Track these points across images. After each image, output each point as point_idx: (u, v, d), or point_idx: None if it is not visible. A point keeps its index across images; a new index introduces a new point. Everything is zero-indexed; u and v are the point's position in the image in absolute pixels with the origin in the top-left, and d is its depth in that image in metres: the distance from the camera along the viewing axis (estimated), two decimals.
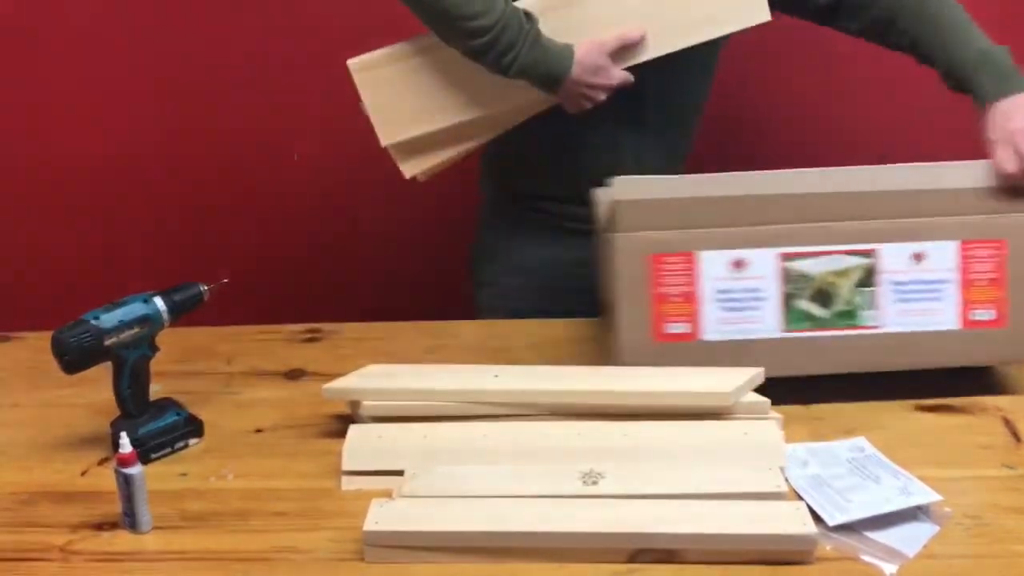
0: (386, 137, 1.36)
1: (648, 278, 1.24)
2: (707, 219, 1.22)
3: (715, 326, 1.25)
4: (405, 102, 1.36)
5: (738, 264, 1.22)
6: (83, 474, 1.18)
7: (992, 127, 1.24)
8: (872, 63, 1.92)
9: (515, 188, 1.62)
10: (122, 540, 1.05)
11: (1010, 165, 1.20)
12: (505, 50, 1.30)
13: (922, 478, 1.09)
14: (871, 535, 1.01)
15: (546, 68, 1.32)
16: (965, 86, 1.30)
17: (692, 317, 1.24)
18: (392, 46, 1.39)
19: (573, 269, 1.59)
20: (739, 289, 1.23)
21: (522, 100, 1.37)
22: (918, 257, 1.24)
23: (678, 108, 1.54)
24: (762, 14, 1.35)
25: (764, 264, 1.22)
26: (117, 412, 1.21)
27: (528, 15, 1.31)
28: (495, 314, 1.63)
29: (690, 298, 1.24)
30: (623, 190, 1.25)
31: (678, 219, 1.23)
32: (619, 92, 1.40)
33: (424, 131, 1.36)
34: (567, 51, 1.33)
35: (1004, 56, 1.30)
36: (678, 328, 1.25)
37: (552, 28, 1.32)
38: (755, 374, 1.24)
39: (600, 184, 1.38)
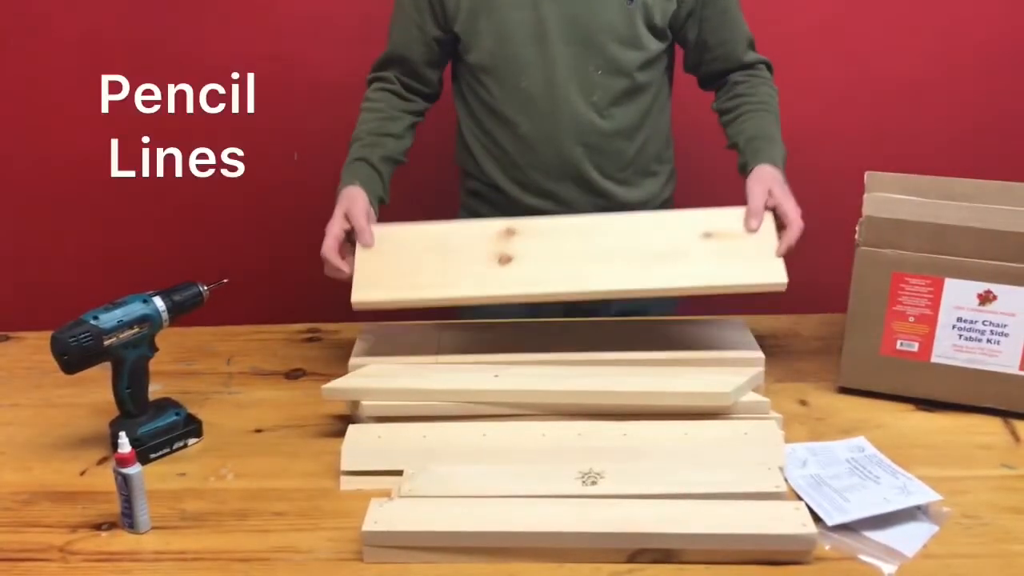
0: (359, 296, 1.30)
1: (888, 294, 1.26)
2: (958, 248, 1.22)
3: (947, 351, 1.25)
4: (388, 275, 1.32)
5: (985, 297, 1.22)
6: (82, 474, 1.18)
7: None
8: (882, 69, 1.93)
9: (472, 184, 1.62)
10: (121, 540, 1.05)
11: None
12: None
13: (921, 478, 1.09)
14: (870, 535, 1.01)
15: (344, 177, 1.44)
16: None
17: (925, 338, 1.25)
18: (400, 225, 1.37)
19: None
20: (982, 321, 1.23)
21: (495, 292, 1.30)
22: None
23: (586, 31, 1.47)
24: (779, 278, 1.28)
25: (1015, 301, 1.22)
26: (117, 412, 1.21)
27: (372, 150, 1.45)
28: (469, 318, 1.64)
29: (927, 320, 1.25)
30: (876, 206, 1.25)
31: (928, 243, 1.23)
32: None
33: (395, 300, 1.30)
34: (353, 180, 1.41)
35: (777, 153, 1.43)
36: (908, 346, 1.27)
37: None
38: (755, 374, 1.24)
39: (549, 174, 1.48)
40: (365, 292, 1.30)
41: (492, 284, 1.29)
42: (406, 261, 1.32)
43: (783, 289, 1.27)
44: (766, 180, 1.35)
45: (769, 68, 1.53)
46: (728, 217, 1.33)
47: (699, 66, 1.53)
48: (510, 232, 1.33)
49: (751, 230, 1.30)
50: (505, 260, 1.30)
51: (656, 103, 1.53)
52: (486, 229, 1.35)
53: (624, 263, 1.29)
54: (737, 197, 1.33)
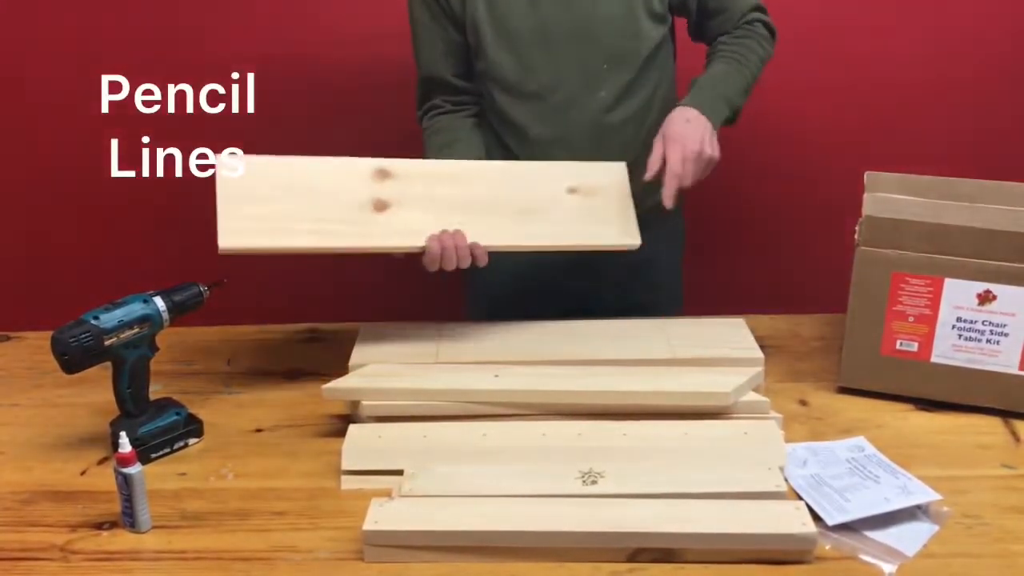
0: (226, 242, 1.21)
1: (888, 294, 1.26)
2: (958, 248, 1.22)
3: (947, 351, 1.25)
4: (256, 216, 1.25)
5: (985, 297, 1.22)
6: (83, 474, 1.18)
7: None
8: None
9: None
10: (122, 539, 1.05)
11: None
12: None
13: (922, 477, 1.10)
14: (870, 534, 1.01)
15: None
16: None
17: (925, 338, 1.25)
18: (270, 158, 1.32)
19: (540, 271, 1.59)
20: (981, 321, 1.23)
21: (371, 243, 1.30)
22: None
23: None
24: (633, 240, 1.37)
25: (1014, 302, 1.22)
26: (117, 412, 1.21)
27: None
28: (477, 314, 1.64)
29: (927, 320, 1.25)
30: (876, 206, 1.25)
31: (928, 243, 1.23)
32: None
33: (266, 247, 1.25)
34: None
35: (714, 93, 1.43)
36: (908, 346, 1.27)
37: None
38: (755, 374, 1.24)
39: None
40: (233, 236, 1.23)
41: (369, 234, 1.28)
42: (275, 201, 1.26)
43: (635, 248, 1.34)
44: (669, 130, 1.36)
45: (767, 27, 1.52)
46: (594, 171, 1.38)
47: (700, 34, 1.54)
48: (383, 173, 1.32)
49: (645, 181, 1.34)
50: (381, 207, 1.30)
51: (660, 88, 1.53)
52: (358, 168, 1.33)
53: (492, 216, 1.33)
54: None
